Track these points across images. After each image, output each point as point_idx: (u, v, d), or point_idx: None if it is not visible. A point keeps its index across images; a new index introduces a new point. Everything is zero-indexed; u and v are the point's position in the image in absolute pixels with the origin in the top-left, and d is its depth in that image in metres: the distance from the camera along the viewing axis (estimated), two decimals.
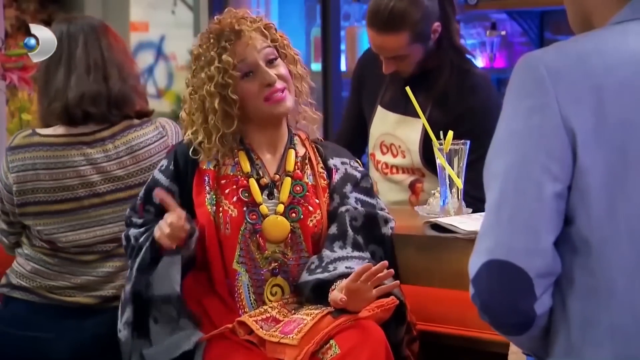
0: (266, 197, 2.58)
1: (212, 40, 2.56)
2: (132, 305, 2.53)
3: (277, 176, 2.61)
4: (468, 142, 2.79)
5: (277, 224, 2.55)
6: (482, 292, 1.62)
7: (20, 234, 2.94)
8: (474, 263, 1.63)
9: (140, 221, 2.61)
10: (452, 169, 2.76)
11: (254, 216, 2.55)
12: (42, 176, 2.83)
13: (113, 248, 2.85)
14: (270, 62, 2.58)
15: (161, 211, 2.57)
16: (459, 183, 2.76)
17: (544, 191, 1.60)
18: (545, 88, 1.62)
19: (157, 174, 2.63)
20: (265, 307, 2.52)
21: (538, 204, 1.60)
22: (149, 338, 2.53)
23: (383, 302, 2.47)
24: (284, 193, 2.58)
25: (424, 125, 3.00)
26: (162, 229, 2.46)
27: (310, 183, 2.61)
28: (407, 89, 2.86)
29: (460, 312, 2.62)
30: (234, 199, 2.56)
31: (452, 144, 2.76)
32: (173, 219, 2.44)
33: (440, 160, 2.77)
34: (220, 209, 2.55)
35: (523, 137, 1.62)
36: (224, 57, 2.53)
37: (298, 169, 2.62)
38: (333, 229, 2.57)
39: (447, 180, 2.77)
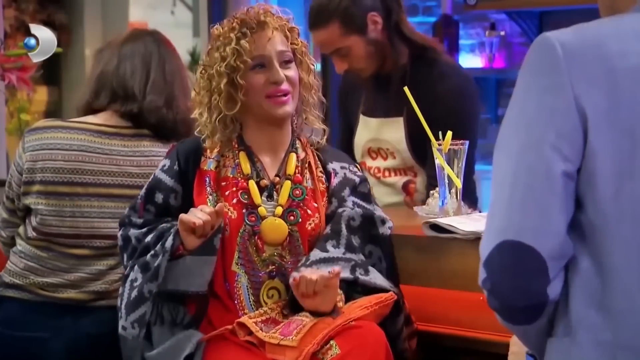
0: (265, 199, 2.58)
1: (234, 24, 2.56)
2: (151, 304, 2.50)
3: (277, 179, 2.60)
4: (467, 142, 2.79)
5: (275, 226, 2.55)
6: (494, 274, 1.61)
7: (18, 226, 2.95)
8: (486, 245, 1.63)
9: (140, 221, 2.60)
10: (451, 169, 2.76)
11: (253, 218, 2.55)
12: (54, 156, 2.84)
13: (108, 245, 2.84)
14: (284, 62, 2.57)
15: (162, 211, 2.58)
16: (458, 183, 2.76)
17: (554, 170, 1.60)
18: (560, 69, 1.62)
19: (160, 174, 2.62)
20: (264, 308, 2.52)
21: (548, 183, 1.60)
22: (150, 340, 2.52)
23: (382, 298, 2.47)
24: (283, 196, 2.57)
25: (405, 122, 3.12)
26: (196, 216, 2.44)
27: (309, 187, 2.61)
28: (405, 88, 2.85)
29: (459, 313, 2.62)
30: (234, 200, 2.56)
31: (451, 144, 2.76)
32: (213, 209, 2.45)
33: (439, 160, 2.77)
34: None
35: (535, 116, 1.63)
36: (242, 42, 2.54)
37: (298, 172, 2.62)
38: (327, 229, 2.57)
39: (446, 180, 2.76)
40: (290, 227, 2.56)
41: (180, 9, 7.15)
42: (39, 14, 6.20)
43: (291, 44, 2.60)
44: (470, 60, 5.21)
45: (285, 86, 2.55)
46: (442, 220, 2.60)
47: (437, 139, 2.79)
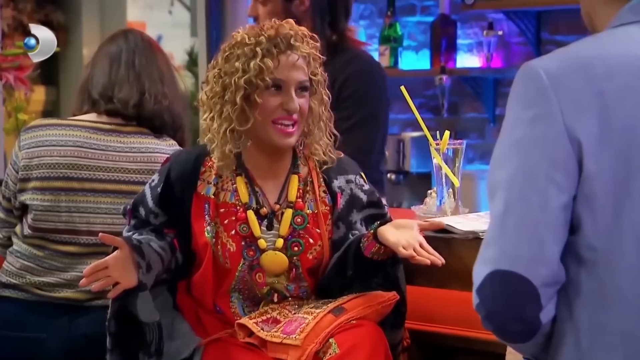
0: (265, 229, 2.52)
1: (261, 38, 2.48)
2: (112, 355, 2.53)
3: (278, 206, 2.53)
4: (464, 141, 2.79)
5: (275, 260, 2.50)
6: (487, 302, 1.62)
7: (14, 226, 2.95)
8: (479, 272, 1.63)
9: (126, 228, 2.60)
10: (450, 168, 2.75)
11: (252, 252, 2.50)
12: (50, 152, 2.85)
13: (102, 243, 2.83)
14: (300, 90, 2.50)
15: (144, 221, 2.57)
16: (456, 182, 2.76)
17: (549, 201, 1.59)
18: (548, 97, 1.61)
19: (147, 189, 2.58)
20: (265, 308, 2.51)
21: (543, 213, 1.59)
22: (147, 346, 2.50)
23: (384, 297, 2.47)
24: (284, 226, 2.51)
25: None
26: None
27: (311, 212, 2.54)
28: (402, 88, 2.85)
29: (458, 312, 2.62)
30: (232, 232, 2.51)
31: (449, 143, 2.76)
32: (109, 262, 2.43)
33: (437, 159, 2.76)
34: (219, 241, 2.51)
35: (527, 147, 1.62)
36: (266, 59, 2.45)
37: (299, 197, 2.54)
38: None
39: (444, 180, 2.76)
40: (292, 257, 2.51)
41: (178, 8, 7.15)
42: (37, 14, 6.19)
43: (311, 72, 2.52)
44: (468, 60, 5.20)
45: (295, 116, 2.49)
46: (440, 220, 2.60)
47: (345, 118, 2.89)
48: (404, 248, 2.37)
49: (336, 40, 3.24)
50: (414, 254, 2.35)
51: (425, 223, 2.53)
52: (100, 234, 2.48)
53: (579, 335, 1.63)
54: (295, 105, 2.47)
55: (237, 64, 2.47)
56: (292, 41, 2.48)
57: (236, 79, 2.46)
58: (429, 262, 2.35)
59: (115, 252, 2.43)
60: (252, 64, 2.45)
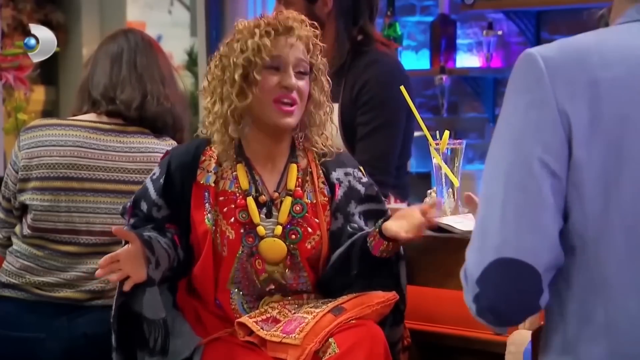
0: (264, 216, 2.53)
1: (260, 23, 2.52)
2: (119, 354, 2.52)
3: (277, 194, 2.55)
4: (464, 141, 2.79)
5: (273, 247, 2.51)
6: (490, 291, 1.62)
7: (14, 226, 2.95)
8: (478, 262, 1.63)
9: (125, 229, 2.59)
10: (449, 168, 2.75)
11: (251, 239, 2.51)
12: (49, 152, 2.85)
13: (103, 242, 2.85)
14: (299, 73, 2.52)
15: (148, 218, 2.57)
16: (456, 182, 2.75)
17: (544, 187, 1.60)
18: (543, 83, 1.62)
19: (148, 183, 2.59)
20: (265, 307, 2.51)
21: (540, 199, 1.60)
22: (148, 347, 2.50)
23: (384, 297, 2.47)
24: (283, 214, 2.52)
25: (340, 109, 3.13)
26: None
27: (310, 201, 2.55)
28: (402, 88, 2.86)
29: (458, 312, 2.62)
30: (232, 219, 2.52)
31: (448, 143, 2.76)
32: (121, 256, 2.43)
33: (436, 159, 2.76)
34: (218, 229, 2.52)
35: (522, 132, 1.62)
36: (264, 38, 2.49)
37: (299, 186, 2.56)
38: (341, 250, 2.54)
39: (444, 180, 2.76)
40: (290, 245, 2.53)
41: (178, 8, 7.16)
42: (36, 14, 6.19)
43: (311, 57, 2.55)
44: (467, 60, 5.21)
45: (294, 95, 2.51)
46: (440, 220, 2.60)
47: (363, 123, 2.92)
48: (406, 232, 2.41)
49: (361, 41, 3.23)
50: (418, 229, 2.44)
51: (425, 205, 2.53)
52: (113, 227, 2.50)
53: (566, 325, 1.64)
54: (293, 81, 2.50)
55: (235, 45, 2.52)
56: (290, 23, 2.52)
57: (234, 59, 2.50)
58: (435, 222, 2.46)
59: (126, 246, 2.44)
60: (249, 43, 2.49)
